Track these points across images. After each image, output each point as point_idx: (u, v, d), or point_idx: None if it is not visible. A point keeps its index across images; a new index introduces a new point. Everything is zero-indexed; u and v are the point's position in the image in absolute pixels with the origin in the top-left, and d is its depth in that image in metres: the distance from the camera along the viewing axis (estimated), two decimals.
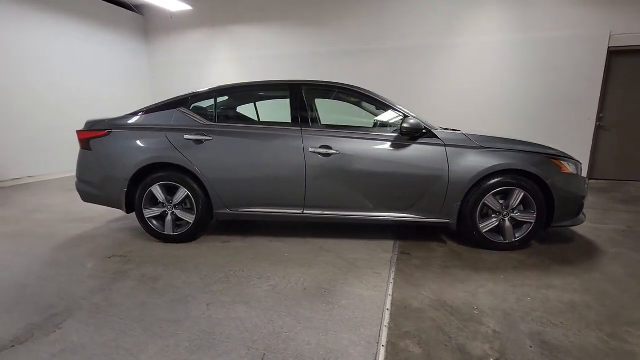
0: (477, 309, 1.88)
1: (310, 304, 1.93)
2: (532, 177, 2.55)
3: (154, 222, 2.81)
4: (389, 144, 2.64)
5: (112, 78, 7.06)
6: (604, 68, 5.23)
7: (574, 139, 5.44)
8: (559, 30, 5.31)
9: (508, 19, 5.52)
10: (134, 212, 2.83)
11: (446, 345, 1.58)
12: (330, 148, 2.61)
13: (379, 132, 2.74)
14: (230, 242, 2.87)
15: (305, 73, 6.60)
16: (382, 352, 1.53)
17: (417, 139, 2.62)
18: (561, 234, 3.05)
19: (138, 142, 2.75)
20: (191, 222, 2.76)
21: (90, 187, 2.88)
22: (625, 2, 5.00)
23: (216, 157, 2.68)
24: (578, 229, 3.12)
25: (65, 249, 2.73)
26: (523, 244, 2.66)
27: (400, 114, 2.69)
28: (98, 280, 2.21)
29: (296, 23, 6.60)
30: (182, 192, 2.71)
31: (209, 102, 2.90)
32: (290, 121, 2.76)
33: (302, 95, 2.78)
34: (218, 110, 2.90)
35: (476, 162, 2.56)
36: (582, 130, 5.45)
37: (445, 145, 2.60)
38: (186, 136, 2.70)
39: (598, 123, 5.42)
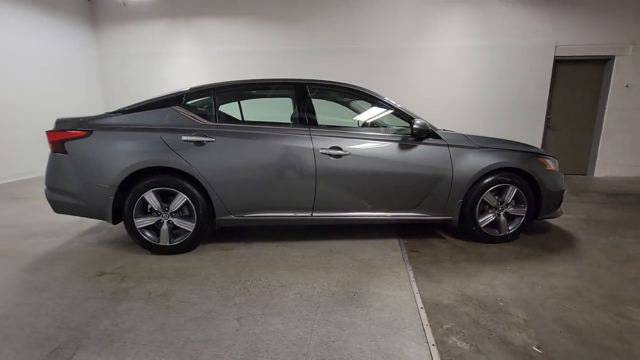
0: (500, 300, 2.00)
1: (344, 309, 1.89)
2: (523, 174, 2.78)
3: (147, 232, 2.53)
4: (397, 144, 2.68)
5: (53, 67, 6.20)
6: (550, 75, 5.89)
7: (527, 138, 5.98)
8: (515, 39, 5.85)
9: (473, 26, 5.94)
10: (119, 223, 2.53)
11: (489, 338, 1.66)
12: (340, 149, 2.58)
13: (386, 132, 2.77)
14: (233, 250, 2.70)
15: (276, 71, 6.44)
16: (435, 351, 1.55)
17: (422, 140, 2.70)
18: (539, 225, 3.37)
19: (127, 144, 2.45)
20: (190, 230, 2.54)
21: (66, 196, 2.50)
22: (568, 17, 5.67)
23: (220, 159, 2.49)
24: (551, 220, 3.48)
25: (39, 270, 2.34)
26: (514, 236, 2.89)
27: (405, 113, 2.75)
28: (96, 302, 1.93)
29: (266, 19, 6.41)
30: (180, 199, 2.48)
31: (207, 100, 2.69)
32: (296, 121, 2.67)
33: (308, 95, 2.71)
34: (218, 109, 2.70)
35: (476, 161, 2.71)
36: (534, 130, 6.08)
37: (448, 146, 2.72)
38: (184, 137, 2.47)
39: (546, 123, 6.09)
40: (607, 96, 5.86)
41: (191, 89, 2.68)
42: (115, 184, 2.42)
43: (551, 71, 5.85)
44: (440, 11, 5.96)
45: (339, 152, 2.58)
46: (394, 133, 2.75)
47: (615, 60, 5.72)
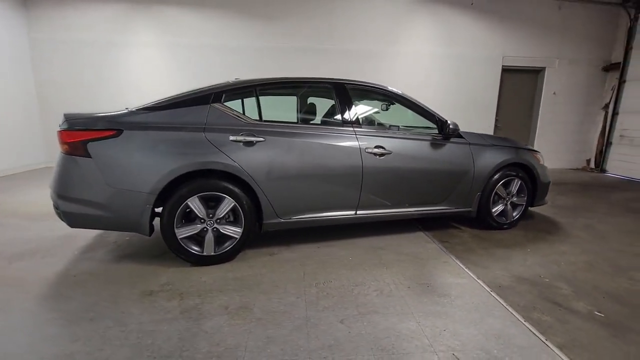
0: (542, 277, 2.32)
1: (429, 300, 1.99)
2: (524, 167, 3.21)
3: (189, 242, 2.29)
4: (429, 143, 2.87)
5: None
6: (499, 82, 6.77)
7: None
8: (472, 49, 6.57)
9: (437, 36, 6.50)
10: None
11: (560, 310, 1.93)
12: (383, 148, 2.67)
13: (420, 132, 2.93)
14: (278, 254, 2.60)
15: (250, 69, 6.20)
16: (530, 326, 1.75)
17: (449, 139, 2.94)
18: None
19: (168, 144, 2.18)
20: (237, 237, 2.37)
21: (87, 207, 2.12)
22: (512, 33, 6.59)
23: (271, 160, 2.37)
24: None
25: (66, 297, 1.95)
26: (516, 223, 3.32)
27: (433, 115, 2.96)
28: (172, 324, 1.71)
29: (239, 13, 6.11)
30: (228, 203, 2.30)
31: (249, 98, 2.52)
32: (340, 121, 2.67)
33: (349, 95, 2.73)
34: (261, 107, 2.55)
35: (492, 157, 3.05)
36: (487, 129, 6.92)
37: (469, 144, 3.01)
38: (232, 137, 2.29)
39: (496, 124, 6.99)
40: (540, 101, 6.98)
41: (231, 84, 2.49)
42: (155, 191, 2.14)
43: (499, 78, 6.74)
44: (410, 20, 6.39)
45: (383, 150, 2.66)
46: (425, 132, 2.93)
47: (545, 71, 6.84)
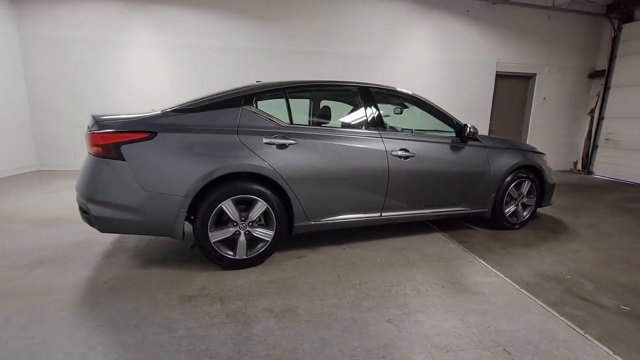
0: (564, 274, 2.43)
1: (467, 298, 2.05)
2: (534, 169, 3.34)
3: (221, 246, 2.26)
4: (449, 146, 2.95)
5: None
6: (493, 87, 7.01)
7: None
8: (467, 55, 6.78)
9: (434, 42, 6.66)
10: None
11: (589, 304, 2.02)
12: (407, 151, 2.73)
13: (440, 135, 3.01)
14: (306, 257, 2.60)
15: (251, 70, 6.17)
16: (567, 320, 1.84)
17: (467, 142, 3.03)
18: None
19: (203, 147, 2.15)
20: (269, 240, 2.36)
21: (120, 211, 2.06)
22: (506, 41, 6.85)
23: (303, 163, 2.38)
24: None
25: (102, 304, 1.89)
26: (526, 223, 3.45)
27: (451, 118, 3.04)
28: (220, 329, 1.69)
29: (241, 14, 6.08)
30: (260, 206, 2.29)
31: (279, 100, 2.52)
32: (366, 124, 2.71)
33: (374, 98, 2.77)
34: (291, 110, 2.54)
35: (505, 160, 3.17)
36: (482, 132, 7.12)
37: (485, 147, 3.11)
38: (266, 140, 2.29)
39: (490, 127, 7.22)
40: (531, 106, 7.27)
41: (261, 87, 2.48)
42: (190, 194, 2.11)
43: (494, 83, 6.98)
44: (409, 26, 6.53)
45: (407, 153, 2.72)
46: (444, 136, 3.01)
47: (536, 77, 7.14)
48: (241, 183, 2.24)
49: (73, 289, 2.04)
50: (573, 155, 7.65)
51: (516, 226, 3.36)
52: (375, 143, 2.64)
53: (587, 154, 7.29)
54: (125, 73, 6.03)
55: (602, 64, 7.09)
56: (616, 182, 6.42)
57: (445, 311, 1.90)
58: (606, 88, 6.87)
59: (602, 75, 7.00)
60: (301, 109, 3.20)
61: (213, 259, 2.27)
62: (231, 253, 2.29)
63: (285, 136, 2.36)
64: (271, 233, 2.36)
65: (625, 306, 2.02)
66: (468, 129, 2.91)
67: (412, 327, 1.75)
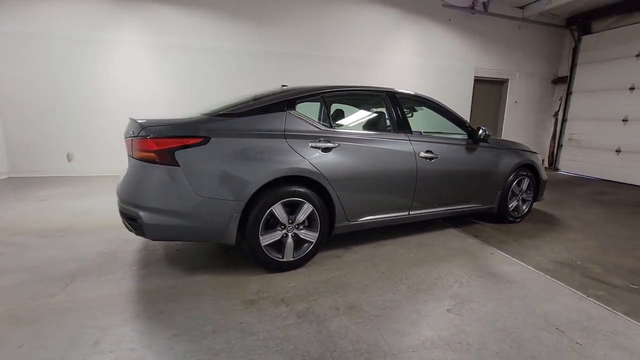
0: (574, 260, 2.73)
1: (505, 286, 2.26)
2: (531, 168, 3.69)
3: (270, 249, 2.29)
4: (464, 147, 3.18)
5: None
6: (472, 91, 7.51)
7: None
8: (448, 61, 7.21)
9: (418, 47, 7.01)
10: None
11: (605, 285, 2.31)
12: (432, 152, 2.91)
13: (457, 137, 3.23)
14: (343, 256, 2.69)
15: (243, 72, 6.12)
16: (595, 300, 2.10)
17: (478, 143, 3.28)
18: None
19: (254, 151, 2.16)
20: (313, 241, 2.42)
21: (172, 218, 2.02)
22: (483, 48, 7.37)
23: (344, 165, 2.47)
24: None
25: (172, 313, 1.85)
26: (525, 217, 3.80)
27: (464, 121, 3.28)
28: (297, 329, 1.74)
29: (233, 15, 5.99)
30: (307, 208, 2.34)
31: (317, 105, 2.58)
32: (395, 128, 2.85)
33: (399, 103, 2.92)
34: (330, 114, 2.61)
35: (510, 159, 3.47)
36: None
37: (493, 148, 3.38)
38: (312, 143, 2.35)
39: None
40: (504, 108, 7.88)
41: (301, 91, 2.53)
42: (244, 199, 2.12)
43: (472, 88, 7.48)
44: (396, 31, 6.81)
45: (432, 155, 2.90)
46: (460, 138, 3.24)
47: (509, 82, 7.76)
48: (289, 186, 2.28)
49: (126, 300, 1.97)
50: (541, 154, 8.38)
51: (517, 220, 3.69)
52: (404, 145, 2.80)
53: (553, 153, 8.04)
54: (110, 73, 5.70)
55: (564, 71, 7.87)
56: (580, 177, 7.16)
57: (492, 299, 2.09)
58: (568, 93, 7.64)
59: (565, 81, 7.77)
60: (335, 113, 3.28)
61: (262, 262, 2.28)
62: (279, 255, 2.32)
63: (328, 140, 2.44)
64: (315, 234, 2.42)
65: (634, 285, 2.34)
66: (483, 132, 3.15)
67: (471, 314, 1.91)
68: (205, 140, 2.06)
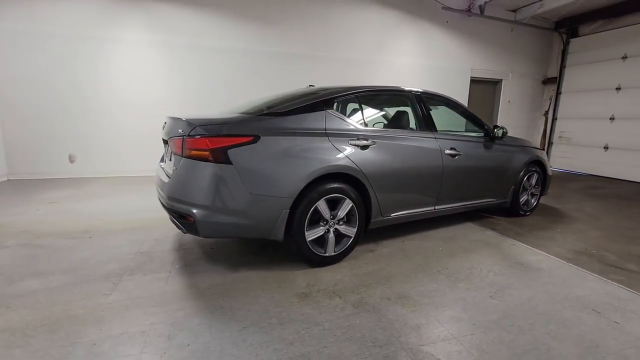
0: (589, 249, 2.92)
1: (535, 274, 2.41)
2: (539, 164, 3.89)
3: (314, 244, 2.36)
4: (482, 145, 3.34)
5: None
6: (468, 90, 7.76)
7: None
8: (447, 62, 7.43)
9: (418, 48, 7.19)
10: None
11: (623, 271, 2.50)
12: (455, 149, 3.04)
13: (475, 135, 3.38)
14: (376, 250, 2.78)
15: (252, 71, 6.13)
16: (618, 284, 2.27)
17: (494, 141, 3.44)
18: None
19: (300, 149, 2.23)
20: (352, 236, 2.51)
21: (225, 215, 2.06)
22: (478, 50, 7.63)
23: (380, 162, 2.56)
24: None
25: (231, 308, 1.89)
26: (534, 210, 4.00)
27: (481, 120, 3.44)
28: (360, 318, 1.82)
29: (239, 16, 5.98)
30: (347, 204, 2.43)
31: (353, 104, 2.66)
32: (422, 126, 2.97)
33: (424, 103, 3.04)
34: (364, 113, 2.69)
35: (522, 156, 3.65)
36: None
37: (507, 145, 3.56)
38: (351, 141, 2.43)
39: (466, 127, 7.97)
40: (498, 107, 8.18)
41: (337, 91, 2.60)
42: (293, 195, 2.18)
43: (468, 88, 7.73)
44: (396, 33, 6.97)
45: (455, 152, 3.04)
46: (478, 135, 3.39)
47: (502, 83, 8.06)
48: (331, 183, 2.35)
49: (182, 297, 1.99)
50: None
51: (527, 213, 3.89)
52: (431, 143, 2.92)
53: (544, 150, 8.40)
54: (111, 73, 5.58)
55: (553, 72, 8.24)
56: (570, 173, 7.52)
57: (527, 286, 2.23)
58: (558, 93, 8.01)
59: (554, 82, 8.14)
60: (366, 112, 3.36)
61: (307, 257, 2.35)
62: (322, 250, 2.40)
63: (365, 137, 2.52)
64: (354, 229, 2.51)
65: None
66: (501, 130, 3.32)
67: (513, 300, 2.05)
68: (256, 138, 2.11)
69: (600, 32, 7.14)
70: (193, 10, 5.74)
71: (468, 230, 3.34)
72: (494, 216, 3.86)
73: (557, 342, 1.66)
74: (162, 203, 2.38)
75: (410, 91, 3.04)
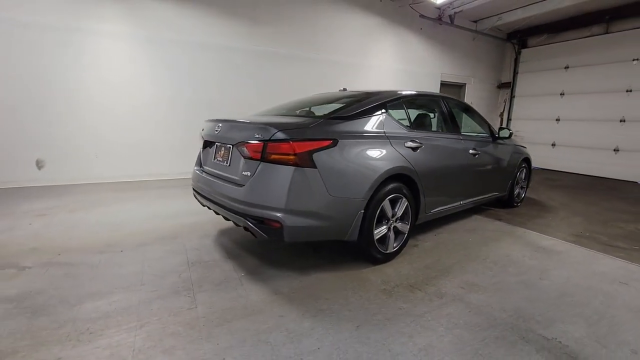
0: (583, 232, 3.45)
1: (557, 257, 2.80)
2: (527, 160, 4.44)
3: (377, 242, 2.46)
4: (491, 144, 3.72)
5: None
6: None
7: None
8: (420, 67, 7.96)
9: (396, 53, 7.59)
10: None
11: (618, 249, 3.01)
12: (475, 149, 3.36)
13: (486, 135, 3.74)
14: (418, 245, 2.97)
15: (237, 71, 5.95)
16: (622, 260, 2.75)
17: (496, 141, 3.85)
18: None
19: (371, 152, 2.32)
20: (406, 232, 2.67)
21: (309, 219, 2.07)
22: (446, 57, 8.29)
23: (427, 162, 2.76)
24: None
25: (325, 310, 1.91)
26: (522, 201, 4.55)
27: (487, 122, 3.82)
28: (453, 307, 1.98)
29: (226, 13, 5.76)
30: (404, 203, 2.58)
31: (399, 108, 2.80)
32: (450, 129, 3.23)
33: (451, 107, 3.30)
34: (410, 117, 2.85)
35: (517, 155, 4.15)
36: None
37: (506, 145, 4.01)
38: (407, 144, 2.58)
39: None
40: None
41: (387, 95, 2.73)
42: (367, 196, 2.27)
43: (439, 91, 8.37)
44: (377, 38, 7.27)
45: (476, 151, 3.36)
46: (487, 136, 3.76)
47: (466, 87, 8.86)
48: (393, 183, 2.48)
49: (275, 304, 1.97)
50: None
51: (518, 204, 4.41)
52: (459, 144, 3.20)
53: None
54: (88, 67, 5.02)
55: (506, 78, 9.28)
56: None
57: (559, 267, 2.60)
58: (512, 96, 9.05)
59: (508, 87, 9.18)
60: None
61: (373, 254, 2.45)
62: (383, 248, 2.51)
63: (415, 140, 2.69)
64: (407, 226, 2.67)
65: (635, 247, 3.09)
66: (508, 132, 3.73)
67: (558, 279, 2.38)
68: (335, 142, 2.16)
69: (546, 44, 8.25)
70: (177, 5, 5.40)
71: (481, 222, 3.70)
72: (492, 208, 4.31)
73: (614, 310, 2.00)
74: (221, 209, 2.31)
75: (440, 96, 3.29)
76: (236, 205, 2.15)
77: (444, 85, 8.49)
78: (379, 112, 2.55)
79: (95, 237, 2.94)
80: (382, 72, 7.54)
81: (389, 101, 2.70)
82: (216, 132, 2.47)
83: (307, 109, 2.90)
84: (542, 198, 5.02)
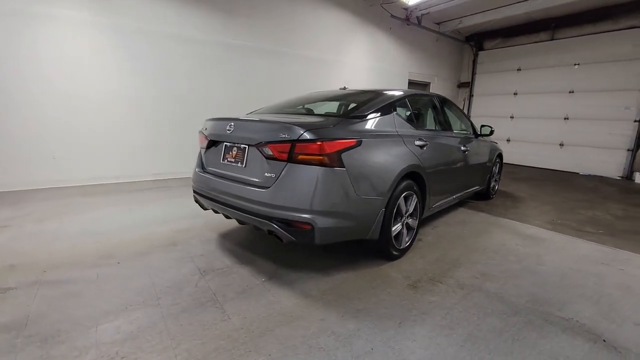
0: (555, 220, 3.83)
1: (544, 244, 3.08)
2: (500, 156, 4.81)
3: (393, 238, 2.52)
4: (476, 141, 3.97)
5: None
6: None
7: None
8: (390, 66, 8.20)
9: (367, 51, 7.74)
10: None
11: (588, 233, 3.40)
12: (465, 146, 3.57)
13: (469, 133, 3.96)
14: (421, 239, 3.08)
15: (211, 64, 5.67)
16: (596, 243, 3.10)
17: (477, 138, 4.12)
18: None
19: (390, 151, 2.35)
20: (415, 227, 2.76)
21: (338, 219, 2.05)
22: (413, 57, 8.63)
23: (432, 160, 2.86)
24: None
25: (364, 310, 1.91)
26: (496, 193, 4.92)
27: (470, 121, 4.06)
28: (476, 298, 2.10)
29: (200, 2, 5.43)
30: (414, 199, 2.66)
31: (404, 108, 2.86)
32: (444, 126, 3.37)
33: (443, 105, 3.45)
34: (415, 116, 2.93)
35: (494, 150, 4.48)
36: None
37: (485, 141, 4.30)
38: (417, 142, 2.66)
39: None
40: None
41: (393, 95, 2.77)
42: (387, 195, 2.30)
43: (407, 88, 8.70)
44: (351, 36, 7.34)
45: (465, 148, 3.56)
46: (470, 133, 4.00)
47: (430, 85, 9.32)
48: (406, 181, 2.54)
49: (311, 307, 1.93)
50: None
51: (493, 196, 4.78)
52: (454, 140, 3.38)
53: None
54: (42, 59, 4.44)
55: (465, 77, 9.92)
56: None
57: (549, 252, 2.87)
58: (470, 95, 9.71)
59: (467, 86, 9.83)
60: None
61: (390, 250, 2.50)
62: (398, 244, 2.58)
63: (423, 138, 2.78)
64: (416, 222, 2.76)
65: (600, 231, 3.51)
66: (489, 129, 4.00)
67: (552, 265, 2.62)
68: (359, 142, 2.15)
69: (501, 48, 8.95)
70: None
71: (467, 215, 3.95)
72: (472, 201, 4.61)
73: (608, 289, 2.26)
74: (235, 212, 2.23)
75: (435, 95, 3.43)
76: (259, 207, 2.06)
77: (411, 83, 8.84)
78: (392, 112, 2.60)
79: (81, 249, 2.64)
80: (356, 69, 7.66)
81: (396, 100, 2.76)
82: (228, 132, 2.34)
83: (303, 105, 2.89)
84: (510, 190, 5.47)
